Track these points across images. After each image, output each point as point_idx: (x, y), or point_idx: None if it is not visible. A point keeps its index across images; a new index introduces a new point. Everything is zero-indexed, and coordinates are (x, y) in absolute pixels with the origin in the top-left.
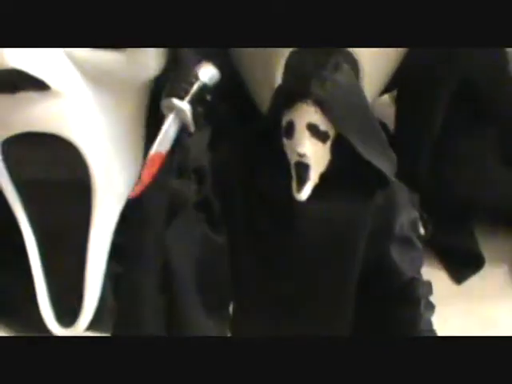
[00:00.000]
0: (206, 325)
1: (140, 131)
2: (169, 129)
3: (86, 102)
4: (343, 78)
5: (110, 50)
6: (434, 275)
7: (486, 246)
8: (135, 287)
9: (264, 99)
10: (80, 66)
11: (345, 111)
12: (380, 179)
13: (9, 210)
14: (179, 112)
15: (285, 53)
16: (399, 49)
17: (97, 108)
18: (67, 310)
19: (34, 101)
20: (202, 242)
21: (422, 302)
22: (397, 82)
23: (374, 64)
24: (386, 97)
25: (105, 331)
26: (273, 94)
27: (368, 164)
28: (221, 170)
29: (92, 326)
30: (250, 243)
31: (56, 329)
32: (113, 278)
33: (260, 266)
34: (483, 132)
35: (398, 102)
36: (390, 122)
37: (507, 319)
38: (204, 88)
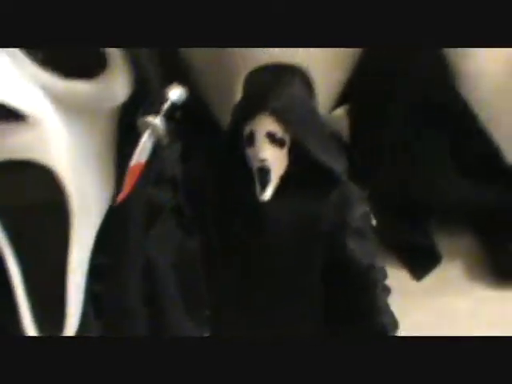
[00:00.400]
0: (187, 326)
1: (110, 153)
2: (146, 142)
3: (60, 128)
4: (296, 92)
5: (81, 79)
6: (394, 272)
7: (443, 245)
8: (120, 297)
9: (225, 116)
10: (52, 95)
11: (298, 119)
12: (333, 179)
13: None
14: (154, 127)
15: (242, 73)
16: (348, 64)
17: (70, 134)
18: (50, 330)
19: (10, 130)
20: (177, 247)
21: (379, 286)
22: (349, 96)
23: (326, 79)
24: (339, 110)
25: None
26: (233, 108)
27: (321, 165)
28: (191, 178)
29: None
30: (220, 245)
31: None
32: (93, 297)
33: (231, 264)
34: (437, 139)
35: (351, 113)
36: (345, 133)
37: (464, 311)
38: (174, 106)
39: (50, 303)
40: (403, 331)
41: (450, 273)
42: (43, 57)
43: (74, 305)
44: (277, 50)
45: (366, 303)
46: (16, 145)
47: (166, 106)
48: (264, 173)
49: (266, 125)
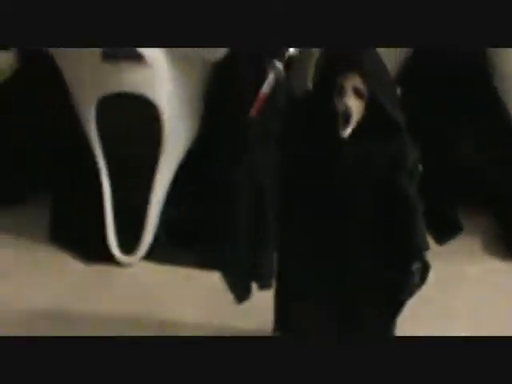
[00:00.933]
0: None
1: (200, 98)
2: (271, 80)
3: (167, 71)
4: (377, 59)
5: None
6: None
7: (466, 220)
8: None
9: None
10: None
11: (379, 80)
12: (395, 129)
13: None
14: (277, 69)
15: None
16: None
17: (174, 77)
18: (128, 244)
19: (129, 67)
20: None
21: (420, 216)
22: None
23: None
24: None
25: (158, 261)
26: (324, 66)
27: (388, 117)
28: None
29: (148, 256)
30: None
31: (118, 255)
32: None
33: (307, 191)
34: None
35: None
36: None
37: (473, 272)
38: (290, 57)
39: (131, 220)
40: None
41: (466, 243)
42: None
43: (151, 224)
44: None
45: (409, 226)
46: (131, 80)
47: (286, 55)
48: (347, 116)
49: (353, 81)
